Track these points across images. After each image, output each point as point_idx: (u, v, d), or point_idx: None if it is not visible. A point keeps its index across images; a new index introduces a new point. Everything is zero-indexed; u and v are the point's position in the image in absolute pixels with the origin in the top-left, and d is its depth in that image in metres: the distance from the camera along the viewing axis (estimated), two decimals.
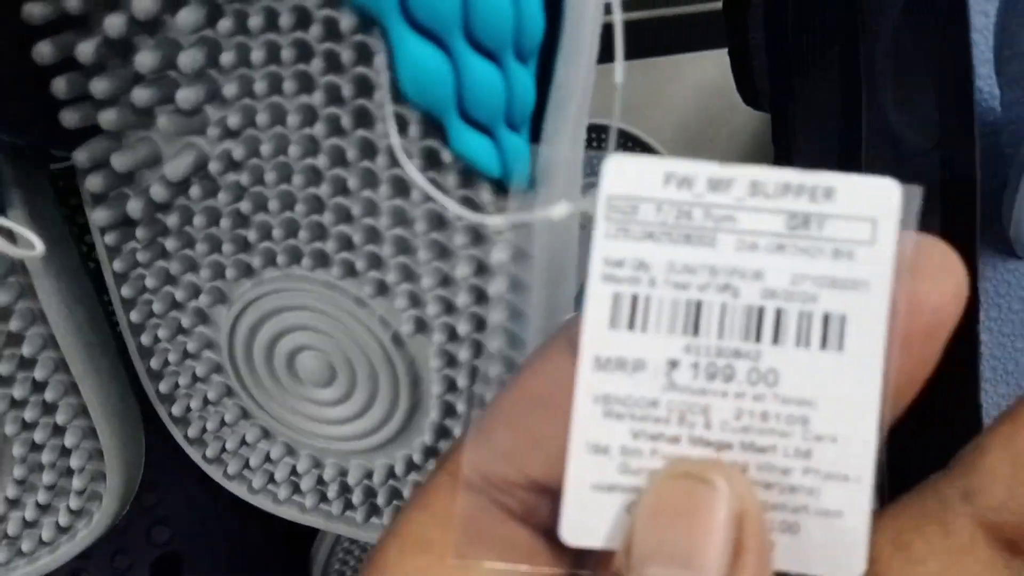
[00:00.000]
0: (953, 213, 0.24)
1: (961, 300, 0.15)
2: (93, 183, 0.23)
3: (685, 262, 0.15)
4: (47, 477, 0.28)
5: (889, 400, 0.15)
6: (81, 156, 0.22)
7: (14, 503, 0.28)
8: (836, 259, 0.15)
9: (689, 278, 0.15)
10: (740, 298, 0.15)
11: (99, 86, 0.21)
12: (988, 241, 0.24)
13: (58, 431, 0.27)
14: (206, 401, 0.26)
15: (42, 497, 0.28)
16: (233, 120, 0.21)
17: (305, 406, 0.25)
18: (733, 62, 0.45)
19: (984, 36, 0.23)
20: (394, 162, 0.20)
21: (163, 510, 0.39)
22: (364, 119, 0.20)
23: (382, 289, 0.22)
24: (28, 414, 0.26)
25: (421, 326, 0.23)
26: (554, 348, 0.16)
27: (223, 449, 0.27)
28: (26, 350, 0.25)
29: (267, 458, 0.27)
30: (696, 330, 0.15)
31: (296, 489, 0.27)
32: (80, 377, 0.26)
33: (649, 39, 0.59)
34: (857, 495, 0.15)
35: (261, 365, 0.25)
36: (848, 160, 0.34)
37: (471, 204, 0.20)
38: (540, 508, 0.16)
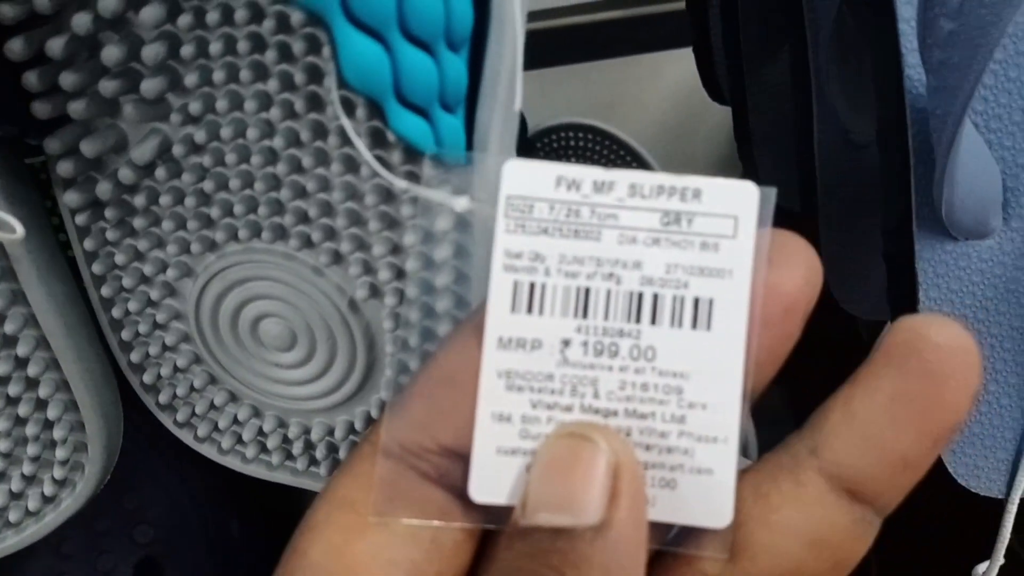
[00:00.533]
0: (891, 199, 0.26)
1: (814, 285, 0.17)
2: (64, 168, 0.24)
3: (575, 254, 0.17)
4: (31, 449, 0.29)
5: (751, 372, 0.17)
6: (52, 144, 0.24)
7: (1, 476, 0.30)
8: (704, 251, 0.17)
9: (578, 268, 0.17)
10: (622, 285, 0.17)
11: (68, 79, 0.23)
12: (926, 225, 0.26)
13: (41, 405, 0.29)
14: (176, 369, 0.28)
15: (27, 469, 0.30)
16: (194, 107, 0.23)
17: (269, 369, 0.27)
18: (697, 58, 0.47)
19: (911, 26, 0.24)
20: (344, 142, 0.23)
21: (144, 511, 0.40)
22: (315, 103, 0.22)
23: (337, 258, 0.25)
24: (12, 389, 0.28)
25: (374, 291, 0.25)
26: (462, 332, 0.18)
27: (193, 414, 0.29)
28: (8, 328, 0.27)
29: (235, 420, 0.29)
30: (585, 313, 0.17)
31: (263, 448, 0.29)
32: (60, 353, 0.27)
33: (626, 38, 0.61)
34: (725, 454, 0.17)
35: (227, 333, 0.27)
36: (803, 152, 0.35)
37: (414, 178, 0.22)
38: (452, 471, 0.18)
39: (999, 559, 0.28)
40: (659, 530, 0.18)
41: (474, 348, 0.18)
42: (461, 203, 0.19)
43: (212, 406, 0.29)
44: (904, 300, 0.25)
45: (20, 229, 0.23)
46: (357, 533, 0.17)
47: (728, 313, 0.17)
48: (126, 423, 0.30)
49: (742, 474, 0.18)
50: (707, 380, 0.17)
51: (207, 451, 0.29)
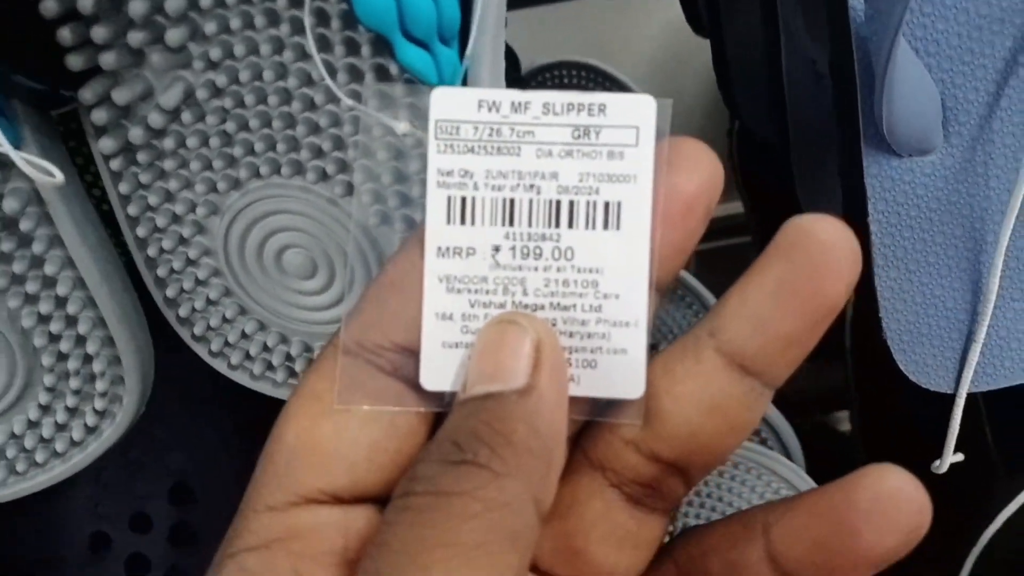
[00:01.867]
0: (842, 120, 0.28)
1: (714, 183, 0.20)
2: (97, 116, 0.27)
3: (499, 169, 0.19)
4: (73, 383, 0.32)
5: (656, 265, 0.20)
6: (86, 93, 0.27)
7: (46, 408, 0.33)
8: (611, 159, 0.19)
9: (503, 181, 0.19)
10: (542, 194, 0.20)
11: (99, 32, 0.25)
12: (872, 143, 0.27)
13: (80, 341, 0.31)
14: (208, 301, 0.31)
15: (70, 401, 0.33)
16: (214, 53, 0.26)
17: (293, 296, 0.30)
18: None
19: None
20: (352, 78, 0.25)
21: (175, 440, 0.44)
22: (324, 44, 0.25)
23: (350, 189, 0.27)
24: (54, 326, 0.31)
25: (384, 218, 0.28)
26: (407, 246, 0.20)
27: (225, 343, 0.32)
28: (48, 270, 0.30)
29: (264, 347, 0.32)
30: (511, 221, 0.20)
31: (291, 372, 0.32)
32: (96, 291, 0.30)
33: None
34: (637, 336, 0.20)
35: (253, 265, 0.30)
36: (774, 82, 0.37)
37: (416, 109, 0.25)
38: (405, 365, 0.20)
39: (950, 451, 0.30)
40: (585, 405, 0.20)
41: (418, 257, 0.20)
42: (401, 126, 0.22)
43: (243, 335, 0.31)
44: (855, 211, 0.28)
45: (59, 175, 0.26)
46: (324, 418, 0.20)
47: (634, 214, 0.19)
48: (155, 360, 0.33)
49: (652, 354, 0.20)
50: (618, 274, 0.20)
51: (239, 378, 0.32)
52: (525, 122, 0.19)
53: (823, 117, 0.34)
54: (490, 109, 0.19)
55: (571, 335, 0.20)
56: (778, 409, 0.49)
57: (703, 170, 0.19)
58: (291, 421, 0.20)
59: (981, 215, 0.29)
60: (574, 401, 0.20)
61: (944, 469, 0.32)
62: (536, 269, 0.20)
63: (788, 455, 0.48)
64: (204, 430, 0.44)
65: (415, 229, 0.21)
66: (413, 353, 0.20)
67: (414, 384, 0.20)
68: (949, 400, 0.31)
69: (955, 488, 0.33)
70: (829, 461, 0.47)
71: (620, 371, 0.20)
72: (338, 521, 0.20)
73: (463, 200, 0.20)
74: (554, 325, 0.20)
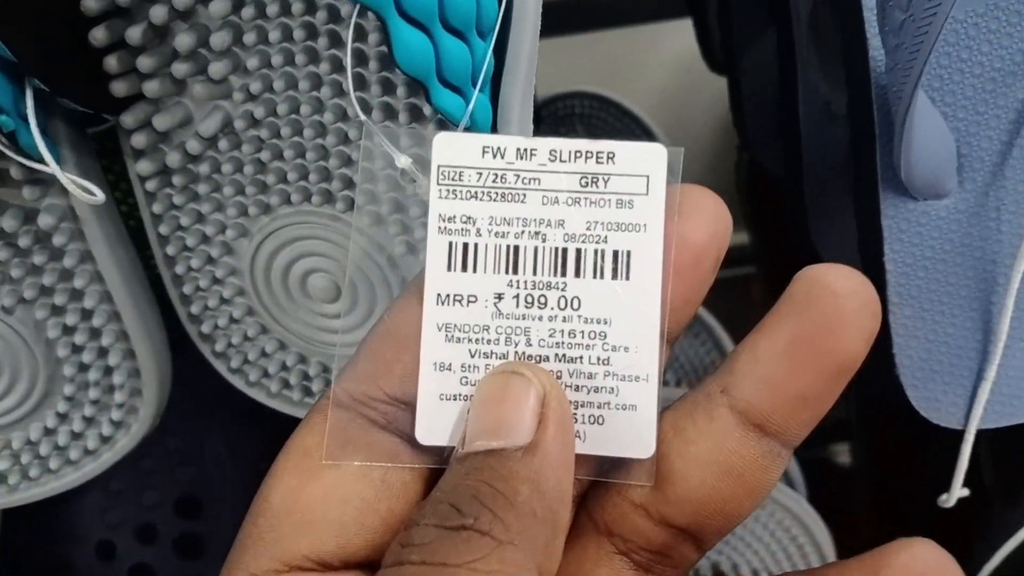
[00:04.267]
0: (861, 164, 0.30)
1: (722, 233, 0.19)
2: (137, 140, 0.29)
3: (503, 215, 0.19)
4: (92, 393, 0.34)
5: (667, 317, 0.19)
6: (128, 119, 0.28)
7: (63, 417, 0.34)
8: (620, 208, 0.19)
9: (507, 228, 0.19)
10: (548, 242, 0.19)
11: (145, 62, 0.27)
12: (889, 186, 0.29)
13: (102, 353, 0.33)
14: (231, 319, 0.33)
15: (88, 411, 0.34)
16: (254, 86, 0.28)
17: (315, 319, 0.32)
18: (697, 31, 0.51)
19: (874, 14, 0.28)
20: (386, 116, 0.27)
21: (186, 452, 0.45)
22: (360, 83, 0.27)
23: (378, 219, 0.29)
24: (78, 338, 0.32)
25: (410, 248, 0.30)
26: (406, 295, 0.20)
27: (245, 361, 0.33)
28: (77, 283, 0.31)
29: (283, 366, 0.33)
30: (515, 269, 0.19)
31: (308, 392, 0.34)
32: (122, 306, 0.32)
33: (629, 8, 0.65)
34: (647, 392, 0.19)
35: (278, 286, 0.31)
36: (788, 120, 0.39)
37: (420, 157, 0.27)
38: (400, 418, 0.19)
39: (958, 487, 0.32)
40: (591, 463, 0.20)
41: (416, 306, 0.19)
42: (402, 160, 0.22)
43: (263, 353, 0.33)
44: (871, 251, 0.30)
45: (101, 195, 0.28)
46: (312, 476, 0.19)
47: (644, 263, 0.19)
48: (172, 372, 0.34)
49: (663, 411, 0.20)
50: (628, 325, 0.19)
51: (257, 395, 0.34)
52: (531, 169, 0.20)
53: (837, 156, 0.35)
54: (495, 155, 0.20)
55: (577, 388, 0.19)
56: None
57: (713, 219, 0.19)
58: (278, 480, 0.19)
59: (993, 257, 0.30)
60: (580, 459, 0.19)
61: (952, 503, 0.33)
62: (541, 318, 0.19)
63: (790, 484, 0.49)
64: (215, 444, 0.45)
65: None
66: (409, 406, 0.20)
67: (409, 438, 0.20)
68: (954, 435, 0.32)
69: (956, 521, 0.34)
70: (829, 493, 0.49)
71: (629, 428, 0.19)
72: None
73: (465, 246, 0.20)
74: (559, 377, 0.19)
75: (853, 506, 0.49)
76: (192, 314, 0.33)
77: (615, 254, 0.19)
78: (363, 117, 0.23)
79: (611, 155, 0.20)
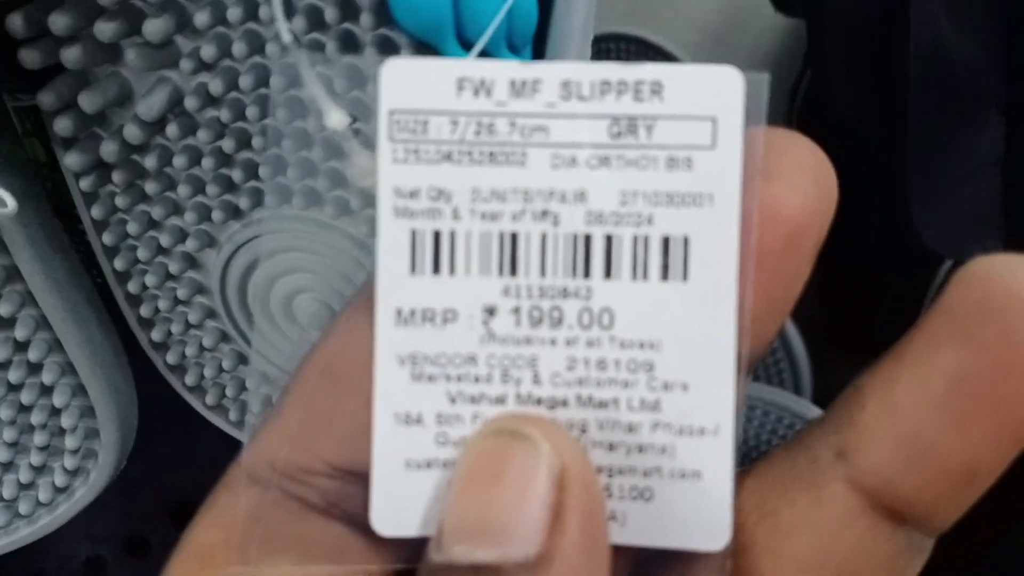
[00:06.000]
0: (1013, 123, 0.24)
1: (827, 200, 0.14)
2: (62, 126, 0.23)
3: (493, 187, 0.14)
4: (39, 438, 0.29)
5: (748, 333, 0.14)
6: (46, 98, 0.23)
7: (7, 466, 0.30)
8: (672, 170, 0.14)
9: (499, 206, 0.14)
10: (561, 226, 0.14)
11: (59, 21, 0.21)
12: None
13: (46, 391, 0.28)
14: (202, 348, 0.27)
15: (35, 459, 0.30)
16: (207, 51, 0.22)
17: (305, 348, 0.26)
18: None
19: None
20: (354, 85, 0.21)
21: (176, 457, 0.41)
22: (350, 44, 0.21)
23: (346, 208, 0.23)
24: (13, 375, 0.27)
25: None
26: (349, 312, 0.15)
27: (223, 395, 0.28)
28: (3, 309, 0.26)
29: (269, 403, 0.28)
30: (514, 268, 0.14)
31: None
32: (63, 333, 0.27)
33: None
34: (717, 450, 0.14)
35: (257, 309, 0.26)
36: (891, 77, 0.33)
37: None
38: (346, 497, 0.15)
39: None
40: (629, 555, 0.15)
41: (365, 328, 0.14)
42: (335, 116, 0.15)
43: (243, 388, 0.28)
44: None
45: (12, 203, 0.22)
46: None
47: (710, 254, 0.14)
48: (153, 374, 0.29)
49: (740, 479, 0.15)
50: (687, 350, 0.14)
51: (241, 435, 0.29)
52: (533, 112, 0.14)
53: (962, 118, 0.29)
54: (477, 92, 0.14)
55: (612, 448, 0.14)
56: None
57: (812, 178, 0.14)
58: None
59: None
60: (614, 553, 0.14)
61: None
62: (554, 343, 0.14)
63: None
64: (207, 447, 0.41)
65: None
66: (359, 478, 0.14)
67: (360, 526, 0.14)
68: None
69: None
70: None
71: (691, 507, 0.14)
72: None
73: (437, 236, 0.14)
74: (583, 433, 0.14)
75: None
76: (154, 340, 0.27)
77: (665, 242, 0.14)
78: (285, 36, 0.15)
79: (657, 86, 0.14)
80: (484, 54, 0.18)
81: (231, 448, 0.42)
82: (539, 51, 0.20)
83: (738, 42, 0.63)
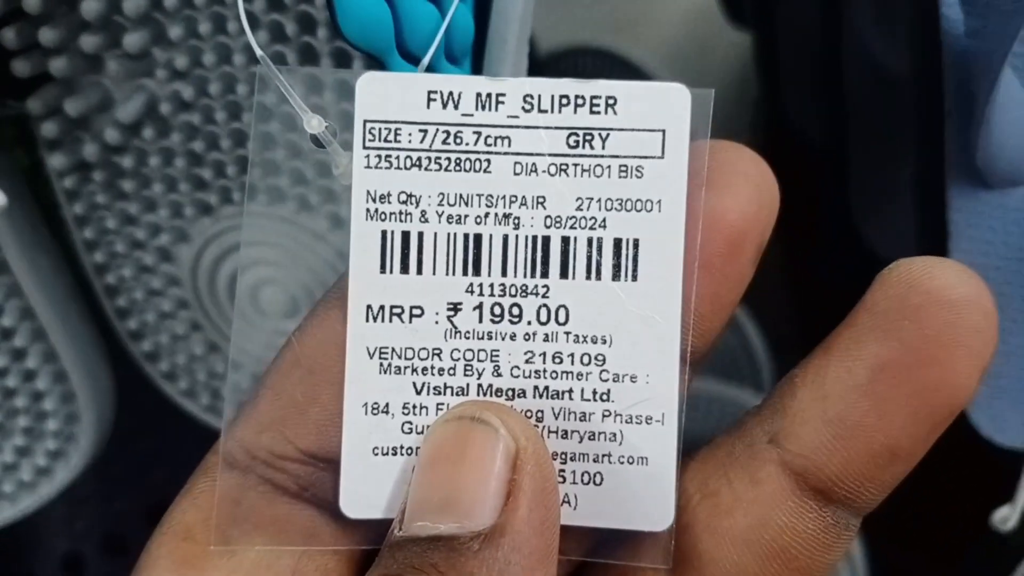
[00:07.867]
0: (925, 143, 0.25)
1: (769, 208, 0.15)
2: (48, 129, 0.25)
3: (459, 191, 0.15)
4: (22, 421, 0.30)
5: (691, 330, 0.15)
6: (34, 104, 0.25)
7: None
8: (624, 178, 0.15)
9: (465, 210, 0.15)
10: (522, 228, 0.15)
11: (48, 35, 0.23)
12: (960, 171, 0.24)
13: (30, 376, 0.30)
14: (175, 336, 0.29)
15: (19, 440, 0.31)
16: (180, 61, 0.23)
17: (272, 337, 0.28)
18: None
19: None
20: (342, 96, 0.23)
21: (157, 455, 0.41)
22: (309, 55, 0.23)
23: (338, 223, 0.25)
24: None
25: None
26: (322, 308, 0.16)
27: (195, 381, 0.30)
28: None
29: (237, 388, 0.29)
30: (477, 268, 0.15)
31: None
32: (47, 323, 0.28)
33: None
34: (663, 438, 0.15)
35: (225, 299, 0.27)
36: (829, 85, 0.34)
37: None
38: (317, 481, 0.15)
39: (1019, 507, 0.28)
40: (585, 538, 0.15)
41: (338, 323, 0.15)
42: (314, 122, 0.16)
43: (213, 375, 0.29)
44: (932, 245, 0.25)
45: (2, 198, 0.24)
46: (195, 568, 0.15)
47: (658, 256, 0.15)
48: (132, 372, 0.31)
49: (685, 464, 0.15)
50: (635, 344, 0.15)
51: (213, 420, 0.30)
52: (498, 123, 0.15)
53: (891, 128, 0.31)
54: (446, 104, 0.15)
55: (566, 435, 0.15)
56: None
57: (754, 187, 0.15)
58: (151, 574, 0.15)
59: None
60: (570, 533, 0.15)
61: (1011, 526, 0.29)
62: (514, 337, 0.15)
63: None
64: (189, 445, 0.42)
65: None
66: (329, 464, 0.15)
67: (331, 510, 0.15)
68: (1009, 454, 0.28)
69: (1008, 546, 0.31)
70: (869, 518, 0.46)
71: (638, 491, 0.15)
72: None
73: (405, 237, 0.15)
74: (540, 421, 0.15)
75: (896, 531, 0.45)
76: (131, 330, 0.29)
77: (617, 244, 0.15)
78: (258, 52, 0.17)
79: (611, 101, 0.15)
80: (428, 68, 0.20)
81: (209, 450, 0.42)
82: (477, 63, 0.22)
83: (709, 57, 0.64)
